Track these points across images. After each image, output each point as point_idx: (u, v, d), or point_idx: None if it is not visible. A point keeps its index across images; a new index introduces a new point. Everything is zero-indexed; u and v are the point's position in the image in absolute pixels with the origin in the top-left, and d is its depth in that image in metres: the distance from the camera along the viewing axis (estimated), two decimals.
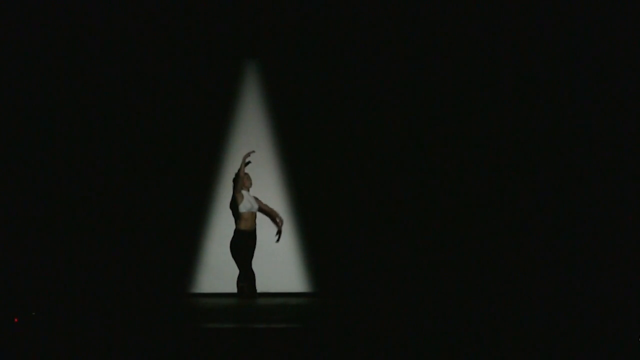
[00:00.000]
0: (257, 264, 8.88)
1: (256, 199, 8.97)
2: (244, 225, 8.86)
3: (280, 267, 9.13)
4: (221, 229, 9.10)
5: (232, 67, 9.37)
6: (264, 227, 9.04)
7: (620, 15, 8.90)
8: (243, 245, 8.83)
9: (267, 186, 9.16)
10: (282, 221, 9.07)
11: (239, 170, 8.90)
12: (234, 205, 8.96)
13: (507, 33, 9.12)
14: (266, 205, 9.05)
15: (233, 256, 8.91)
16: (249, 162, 8.99)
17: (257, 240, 8.92)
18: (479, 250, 8.98)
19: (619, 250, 8.68)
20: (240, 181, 8.86)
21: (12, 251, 8.70)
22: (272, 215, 9.10)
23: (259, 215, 8.98)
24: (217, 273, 9.06)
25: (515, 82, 9.12)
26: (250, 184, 8.96)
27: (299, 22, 9.26)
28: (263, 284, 8.90)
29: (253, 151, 8.96)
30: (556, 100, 9.07)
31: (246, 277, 8.80)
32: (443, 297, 8.64)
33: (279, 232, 9.09)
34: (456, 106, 9.19)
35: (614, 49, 8.94)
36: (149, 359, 5.80)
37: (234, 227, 8.95)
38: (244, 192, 8.90)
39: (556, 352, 5.81)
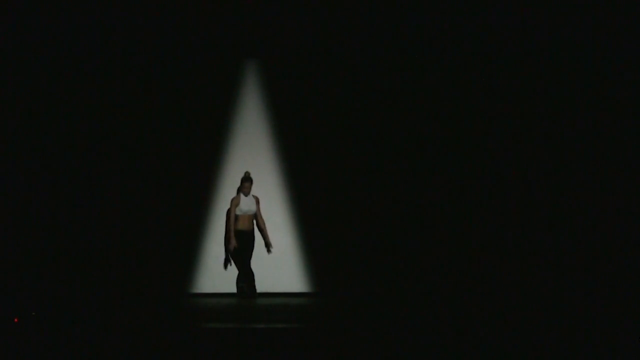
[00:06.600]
0: (257, 264, 8.88)
1: (257, 202, 8.96)
2: (241, 226, 8.86)
3: (280, 267, 9.13)
4: (221, 229, 9.10)
5: (232, 67, 9.37)
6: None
7: (620, 16, 8.90)
8: (241, 246, 8.83)
9: (267, 186, 9.16)
10: (269, 247, 8.97)
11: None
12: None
13: (507, 33, 9.12)
14: (261, 217, 8.96)
15: (232, 257, 8.92)
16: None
17: (255, 241, 8.92)
18: (479, 250, 8.98)
19: (618, 250, 8.68)
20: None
21: (12, 251, 8.70)
22: (261, 231, 8.97)
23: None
24: (217, 273, 9.06)
25: (515, 82, 9.13)
26: (250, 186, 8.92)
27: (299, 22, 9.26)
28: (263, 284, 8.90)
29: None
30: (556, 100, 9.08)
31: (246, 277, 8.81)
32: (443, 297, 8.64)
33: (267, 245, 9.00)
34: (456, 106, 9.19)
35: (614, 49, 8.94)
36: (149, 359, 5.81)
37: None
38: (241, 195, 8.90)
39: (556, 352, 5.81)
